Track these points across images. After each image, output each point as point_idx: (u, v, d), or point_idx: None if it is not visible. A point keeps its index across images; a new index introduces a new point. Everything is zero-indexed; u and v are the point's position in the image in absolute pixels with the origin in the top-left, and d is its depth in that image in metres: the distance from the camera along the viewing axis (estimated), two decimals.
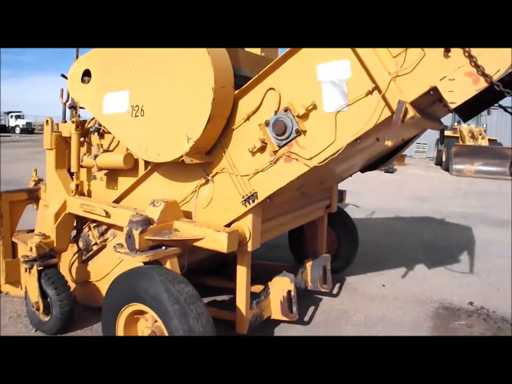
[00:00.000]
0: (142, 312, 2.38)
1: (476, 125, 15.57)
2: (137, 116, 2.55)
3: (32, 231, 3.62)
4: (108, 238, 3.13)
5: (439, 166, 16.79)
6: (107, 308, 2.46)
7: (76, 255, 3.32)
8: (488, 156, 13.16)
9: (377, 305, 3.74)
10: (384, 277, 4.43)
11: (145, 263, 2.39)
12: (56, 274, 2.99)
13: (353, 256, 4.34)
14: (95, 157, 2.93)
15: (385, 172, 13.32)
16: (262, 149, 2.37)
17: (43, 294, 2.92)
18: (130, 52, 2.55)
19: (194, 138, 2.31)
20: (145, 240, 2.37)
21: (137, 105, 2.55)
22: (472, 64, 1.83)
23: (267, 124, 2.31)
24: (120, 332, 2.42)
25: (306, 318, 3.41)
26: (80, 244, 3.21)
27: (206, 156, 2.51)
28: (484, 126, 16.05)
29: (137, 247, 2.34)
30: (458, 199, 9.35)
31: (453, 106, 1.92)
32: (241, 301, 2.72)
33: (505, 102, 2.62)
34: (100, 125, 3.00)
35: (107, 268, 3.17)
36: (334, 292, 3.96)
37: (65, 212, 3.09)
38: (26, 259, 2.91)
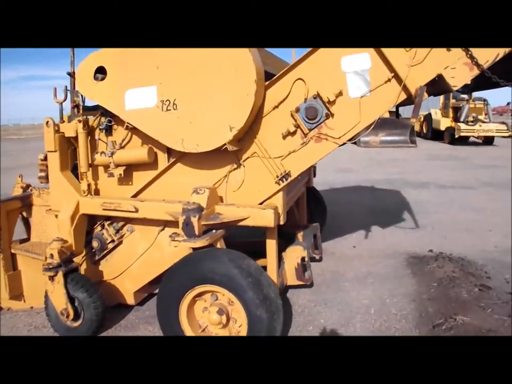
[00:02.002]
0: (200, 294, 2.74)
1: None
2: (169, 109, 2.81)
3: (25, 240, 3.62)
4: (124, 234, 3.33)
5: None
6: (167, 297, 2.74)
7: (85, 256, 3.44)
8: (390, 126, 15.03)
9: (358, 263, 4.50)
10: (351, 240, 5.25)
11: (197, 248, 2.72)
12: (82, 277, 3.13)
13: (324, 224, 5.06)
14: (112, 154, 3.10)
15: None
16: (293, 133, 2.84)
17: (71, 300, 3.04)
18: (155, 48, 2.79)
19: (238, 127, 2.68)
20: (202, 225, 2.71)
21: (168, 100, 2.81)
22: (468, 56, 2.54)
23: (297, 110, 2.79)
24: (183, 317, 2.74)
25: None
26: (95, 244, 3.35)
27: (238, 143, 2.91)
28: None
29: (196, 233, 2.68)
30: (376, 168, 10.80)
31: (454, 89, 2.62)
32: (272, 271, 3.18)
33: None
34: (110, 122, 3.16)
35: (125, 263, 3.38)
36: (317, 257, 4.61)
37: (79, 214, 3.20)
38: (49, 266, 2.98)
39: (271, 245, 3.15)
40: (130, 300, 3.45)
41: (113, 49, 2.91)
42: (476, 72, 2.55)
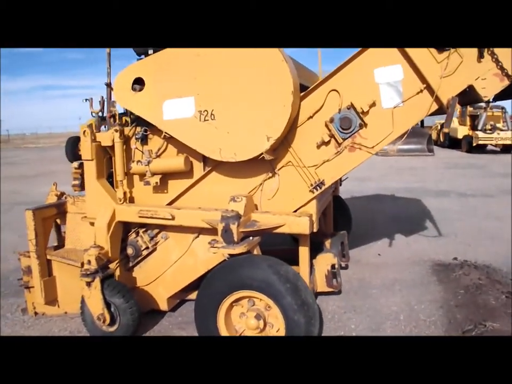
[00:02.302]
0: (237, 300, 2.86)
1: None
2: (207, 120, 2.95)
3: (58, 247, 3.77)
4: (158, 241, 3.47)
5: None
6: (205, 303, 2.86)
7: (119, 263, 3.58)
8: (407, 135, 15.14)
9: (384, 270, 4.59)
10: (375, 248, 5.34)
11: (235, 254, 2.85)
12: (118, 283, 3.26)
13: (350, 232, 5.16)
14: (148, 162, 3.25)
15: None
16: (328, 142, 2.97)
17: (107, 305, 3.17)
18: (193, 59, 2.92)
19: (275, 137, 2.81)
20: (240, 232, 2.84)
21: (205, 110, 2.95)
22: (499, 67, 2.66)
23: (332, 120, 2.92)
24: (221, 323, 2.86)
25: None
26: (129, 251, 3.48)
27: (274, 152, 3.04)
28: None
29: (235, 239, 2.80)
30: (394, 176, 10.88)
31: (485, 99, 2.74)
32: (305, 278, 3.29)
33: None
34: (146, 131, 3.32)
35: (158, 270, 3.50)
36: (343, 265, 4.71)
37: (115, 221, 3.35)
38: (87, 272, 3.12)
39: (304, 252, 3.27)
40: (163, 306, 3.57)
41: (151, 62, 3.06)
42: (506, 82, 2.66)
